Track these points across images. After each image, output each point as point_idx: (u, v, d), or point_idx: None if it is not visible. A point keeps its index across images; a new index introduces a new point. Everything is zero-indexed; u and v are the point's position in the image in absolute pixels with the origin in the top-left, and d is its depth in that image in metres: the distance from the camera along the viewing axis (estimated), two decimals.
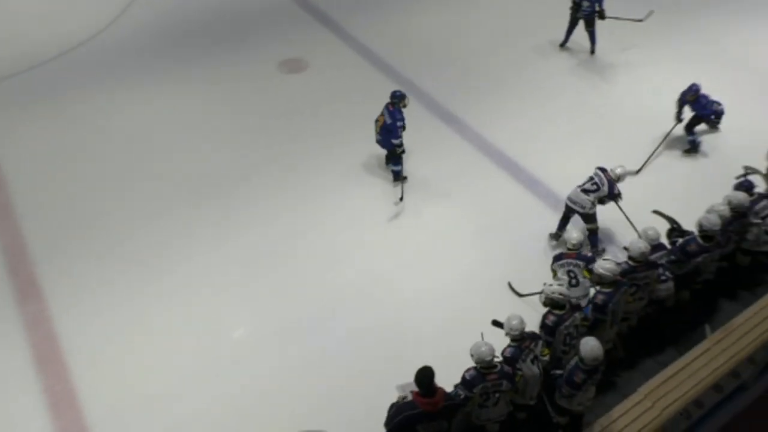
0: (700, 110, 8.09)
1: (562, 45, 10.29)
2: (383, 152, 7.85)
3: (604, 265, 5.17)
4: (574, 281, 5.85)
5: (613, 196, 6.59)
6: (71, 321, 6.17)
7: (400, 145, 7.38)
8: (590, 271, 5.53)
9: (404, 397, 4.47)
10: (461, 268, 6.75)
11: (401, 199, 7.39)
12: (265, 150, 8.27)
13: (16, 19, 10.71)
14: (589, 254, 6.14)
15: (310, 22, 10.94)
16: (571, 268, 5.90)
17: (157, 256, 6.81)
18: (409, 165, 7.85)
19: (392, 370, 5.19)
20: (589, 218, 6.58)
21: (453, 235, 7.18)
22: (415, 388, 4.23)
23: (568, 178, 6.87)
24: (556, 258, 6.11)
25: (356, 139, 8.20)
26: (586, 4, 9.49)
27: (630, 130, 8.57)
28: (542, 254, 6.76)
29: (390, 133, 7.32)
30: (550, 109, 9.06)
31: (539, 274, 6.16)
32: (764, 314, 5.84)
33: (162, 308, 6.31)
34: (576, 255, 5.95)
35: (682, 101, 8.06)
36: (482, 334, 4.73)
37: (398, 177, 7.60)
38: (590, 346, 4.48)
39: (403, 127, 7.31)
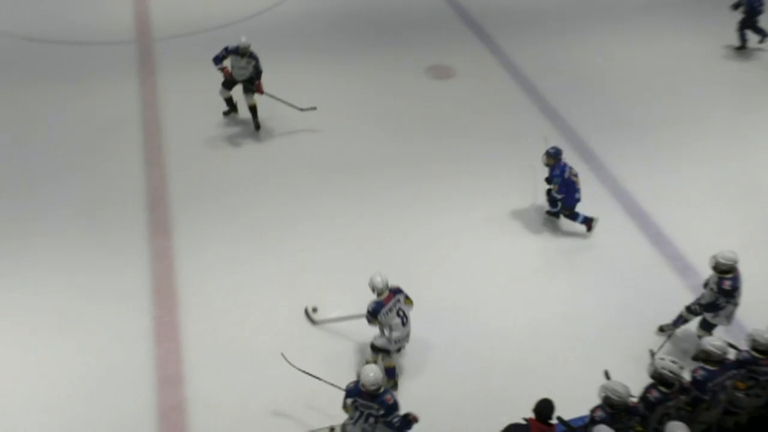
0: None
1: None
2: (510, 172, 7.88)
3: (713, 342, 4.86)
4: (405, 320, 5.44)
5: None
6: (191, 264, 6.69)
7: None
8: (409, 299, 5.50)
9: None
10: (570, 308, 6.50)
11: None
12: (401, 151, 8.41)
13: None
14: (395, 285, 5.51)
15: (463, 31, 11.03)
16: (398, 307, 5.42)
17: (283, 230, 7.15)
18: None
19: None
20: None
21: (563, 271, 6.98)
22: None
23: (705, 247, 6.09)
24: (374, 311, 5.35)
25: (490, 155, 8.28)
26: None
27: None
28: (654, 314, 6.36)
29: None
30: (707, 169, 8.28)
31: (647, 336, 5.91)
32: None
33: (274, 279, 6.62)
34: (392, 294, 5.41)
35: None
36: (607, 372, 4.94)
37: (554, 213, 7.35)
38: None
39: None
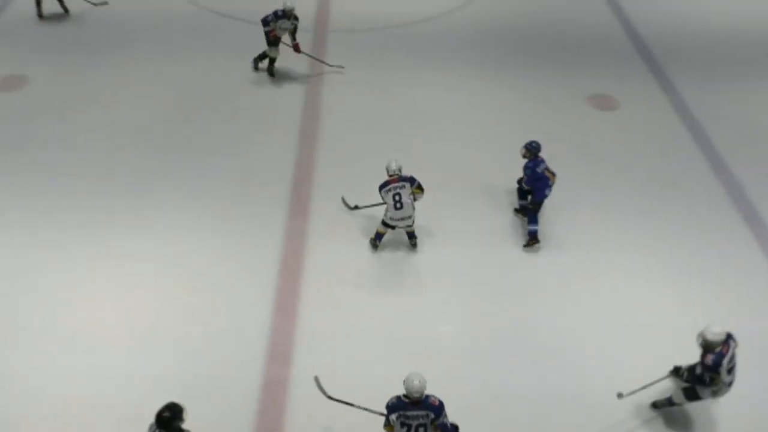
0: None
1: None
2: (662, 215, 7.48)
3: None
4: (399, 205, 6.55)
5: None
6: (322, 247, 7.05)
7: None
8: (420, 188, 6.69)
9: None
10: None
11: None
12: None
13: None
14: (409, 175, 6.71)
15: (636, 62, 10.49)
16: (397, 191, 6.56)
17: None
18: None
19: None
20: None
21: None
22: None
23: None
24: (381, 186, 6.66)
25: (643, 196, 7.91)
26: None
27: None
28: None
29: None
30: None
31: None
32: None
33: (390, 289, 6.82)
34: (398, 178, 6.63)
35: None
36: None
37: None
38: None
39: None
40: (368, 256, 7.00)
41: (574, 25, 11.40)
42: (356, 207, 7.44)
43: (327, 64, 9.76)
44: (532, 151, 7.04)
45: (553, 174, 7.06)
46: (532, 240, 7.11)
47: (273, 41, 9.23)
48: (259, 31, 9.18)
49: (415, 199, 6.68)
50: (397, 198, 6.57)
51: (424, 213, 7.02)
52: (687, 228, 7.49)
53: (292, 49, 9.38)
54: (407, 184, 6.63)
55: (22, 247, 6.93)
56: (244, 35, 10.46)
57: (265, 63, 9.67)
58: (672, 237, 7.38)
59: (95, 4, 10.06)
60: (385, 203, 6.70)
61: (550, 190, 7.06)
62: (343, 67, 9.74)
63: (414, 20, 11.23)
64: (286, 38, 9.31)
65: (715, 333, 5.03)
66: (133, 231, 7.15)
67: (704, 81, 10.04)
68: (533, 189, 7.04)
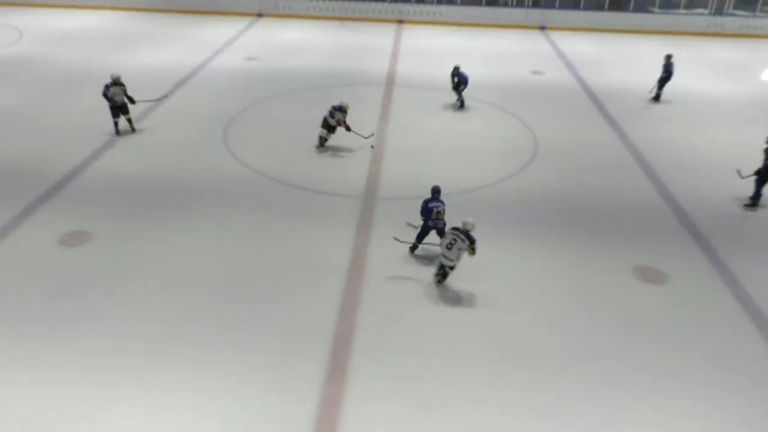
0: None
1: None
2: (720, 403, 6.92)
3: None
4: (449, 246, 8.63)
5: None
6: (357, 417, 6.80)
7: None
8: (473, 251, 8.56)
9: None
10: None
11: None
12: (584, 347, 8.03)
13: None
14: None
15: (682, 235, 10.53)
16: (456, 238, 8.58)
17: (451, 405, 7.10)
18: None
19: None
20: None
21: None
22: None
23: None
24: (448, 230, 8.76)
25: (695, 377, 7.46)
26: None
27: None
28: None
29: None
30: None
31: None
32: None
33: None
34: (465, 233, 8.61)
35: None
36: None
37: None
38: None
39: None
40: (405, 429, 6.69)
41: (614, 197, 11.68)
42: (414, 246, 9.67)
43: (363, 136, 13.13)
44: (433, 192, 9.71)
45: (440, 213, 9.43)
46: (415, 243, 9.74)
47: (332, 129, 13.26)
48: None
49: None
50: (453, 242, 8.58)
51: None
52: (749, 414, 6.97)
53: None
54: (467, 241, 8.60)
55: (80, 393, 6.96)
56: (291, 196, 11.10)
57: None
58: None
59: (155, 100, 14.10)
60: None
61: (434, 223, 9.45)
62: (373, 135, 13.32)
63: (457, 190, 11.71)
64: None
65: None
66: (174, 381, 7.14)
67: (758, 261, 9.91)
68: (425, 218, 9.61)
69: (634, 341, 8.10)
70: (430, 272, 9.34)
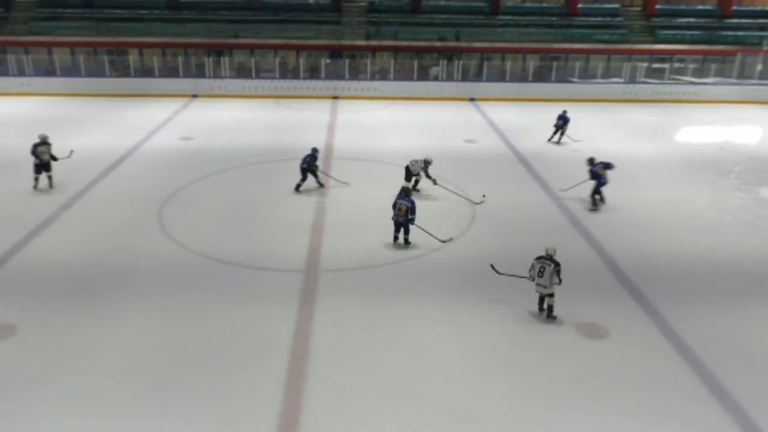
0: None
1: None
2: None
3: None
4: (540, 273, 9.41)
5: None
6: None
7: None
8: (558, 273, 9.12)
9: None
10: None
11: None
12: (535, 408, 7.95)
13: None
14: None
15: (619, 290, 10.82)
16: (543, 265, 9.39)
17: None
18: None
19: None
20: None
21: None
22: None
23: None
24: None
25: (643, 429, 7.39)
26: None
27: None
28: None
29: None
30: None
31: None
32: None
33: None
34: (550, 258, 9.39)
35: None
36: None
37: None
38: None
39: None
40: None
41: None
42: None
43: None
44: None
45: None
46: None
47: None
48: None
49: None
50: (541, 270, 9.34)
51: None
52: None
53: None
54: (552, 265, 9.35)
55: None
56: (231, 275, 10.85)
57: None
58: None
59: (68, 156, 15.20)
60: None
61: None
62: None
63: (400, 259, 11.75)
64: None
65: None
66: None
67: (690, 308, 10.25)
68: None
69: (581, 397, 8.09)
70: (375, 345, 9.17)
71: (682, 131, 22.74)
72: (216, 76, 27.78)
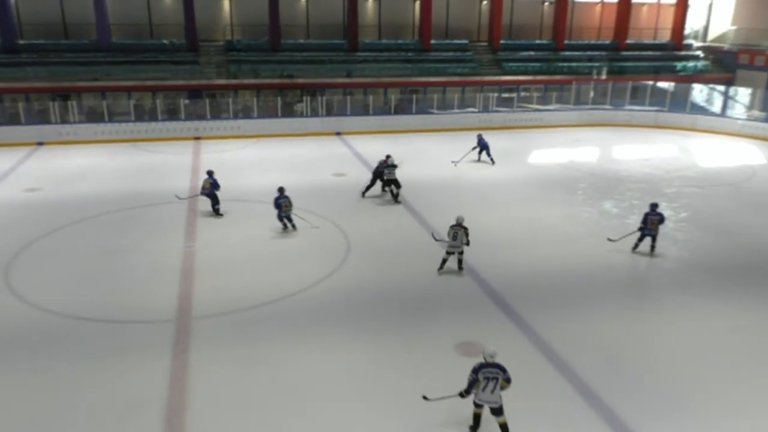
0: None
1: None
2: None
3: None
4: (454, 237, 11.23)
5: None
6: None
7: None
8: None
9: None
10: None
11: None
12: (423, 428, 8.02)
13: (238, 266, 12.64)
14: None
15: (494, 311, 11.28)
16: (456, 231, 11.17)
17: None
18: None
19: None
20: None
21: None
22: None
23: None
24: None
25: None
26: None
27: None
28: None
29: None
30: None
31: None
32: None
33: None
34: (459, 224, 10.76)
35: None
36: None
37: None
38: None
39: None
40: None
41: (427, 282, 12.32)
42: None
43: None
44: None
45: None
46: None
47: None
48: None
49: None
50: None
51: None
52: None
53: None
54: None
55: None
56: (94, 332, 10.05)
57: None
58: None
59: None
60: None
61: None
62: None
63: (276, 297, 11.51)
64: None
65: None
66: None
67: (553, 317, 10.97)
68: None
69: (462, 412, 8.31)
70: (256, 389, 8.86)
71: (532, 154, 24.56)
72: (64, 121, 25.89)
